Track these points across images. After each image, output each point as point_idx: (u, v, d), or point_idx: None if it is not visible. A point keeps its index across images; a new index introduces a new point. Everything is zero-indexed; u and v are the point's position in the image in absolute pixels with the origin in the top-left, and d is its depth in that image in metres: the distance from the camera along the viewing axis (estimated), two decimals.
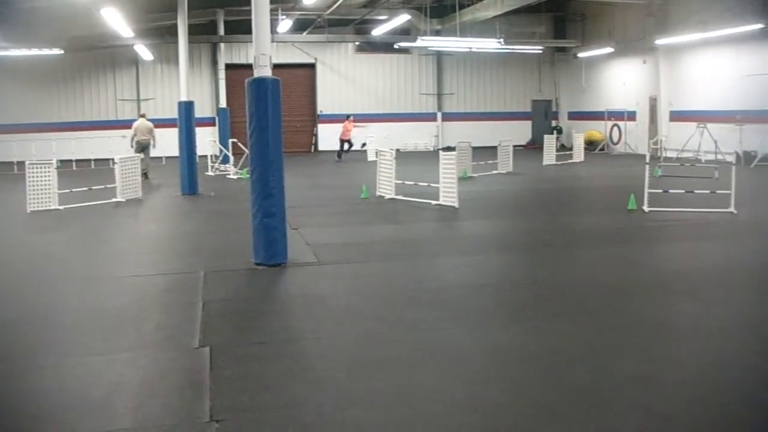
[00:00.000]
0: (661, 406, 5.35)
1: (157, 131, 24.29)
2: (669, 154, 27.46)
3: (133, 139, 23.55)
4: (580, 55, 35.81)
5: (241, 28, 29.89)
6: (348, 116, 32.25)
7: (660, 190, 15.41)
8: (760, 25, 24.38)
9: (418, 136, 37.60)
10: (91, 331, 7.47)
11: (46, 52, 30.10)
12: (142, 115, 24.82)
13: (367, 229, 13.74)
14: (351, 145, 31.22)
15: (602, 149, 34.17)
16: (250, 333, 7.34)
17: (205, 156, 25.85)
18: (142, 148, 23.35)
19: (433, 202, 16.20)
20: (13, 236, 13.84)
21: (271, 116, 10.04)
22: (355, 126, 31.94)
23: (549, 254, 11.44)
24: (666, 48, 30.45)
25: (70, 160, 28.38)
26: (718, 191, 15.08)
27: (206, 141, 27.58)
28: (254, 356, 6.56)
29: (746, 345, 6.78)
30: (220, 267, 10.38)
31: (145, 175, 22.34)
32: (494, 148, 24.97)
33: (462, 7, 29.87)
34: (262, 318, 7.95)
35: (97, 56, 33.30)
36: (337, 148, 31.85)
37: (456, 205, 15.74)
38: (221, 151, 26.87)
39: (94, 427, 5.12)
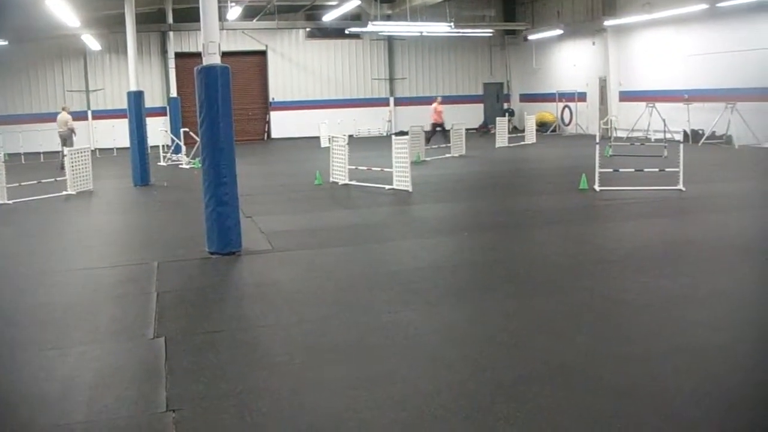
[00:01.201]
0: (616, 381, 5.44)
1: (109, 122, 24.08)
2: (619, 134, 27.81)
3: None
4: (530, 37, 36.01)
5: (190, 16, 29.53)
6: (436, 97, 29.66)
7: (611, 170, 15.60)
8: (703, 6, 24.71)
9: (371, 122, 37.57)
10: (44, 325, 7.38)
11: None
12: (64, 108, 24.81)
13: (321, 215, 13.72)
14: (443, 128, 27.29)
15: (554, 130, 34.45)
16: (206, 322, 7.30)
17: (157, 146, 25.56)
18: (63, 140, 23.70)
19: (387, 187, 16.23)
20: None
21: (222, 104, 9.96)
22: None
23: (503, 235, 11.53)
24: (614, 29, 30.77)
25: (19, 154, 27.89)
26: (667, 169, 15.31)
27: (158, 131, 27.25)
28: (210, 345, 6.53)
29: (695, 318, 6.90)
30: (173, 257, 10.30)
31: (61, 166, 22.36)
32: (447, 131, 25.04)
33: None
34: (217, 307, 7.91)
35: (44, 47, 32.63)
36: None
37: (410, 189, 15.78)
38: (173, 140, 26.59)
39: (48, 422, 5.07)
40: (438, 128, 27.30)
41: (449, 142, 24.51)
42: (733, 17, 24.78)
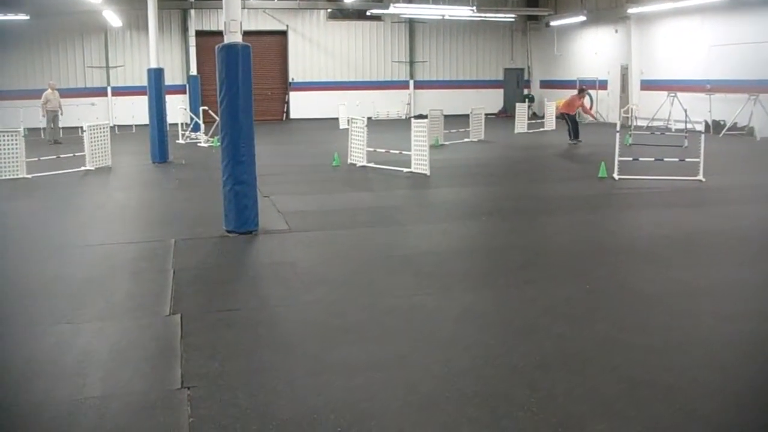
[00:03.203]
0: (632, 370, 5.41)
1: (129, 99, 24.49)
2: (640, 123, 27.59)
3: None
4: (553, 23, 35.76)
5: None
6: (581, 89, 25.52)
7: (630, 158, 15.49)
8: None
9: (390, 104, 37.49)
10: (61, 299, 7.41)
11: (11, 17, 29.62)
12: (51, 85, 26.06)
13: (338, 196, 13.71)
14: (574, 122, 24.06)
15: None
16: (222, 300, 7.32)
17: (176, 124, 25.61)
18: (53, 117, 25.46)
19: (405, 170, 16.19)
20: None
21: (242, 82, 9.95)
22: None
23: (520, 221, 11.49)
24: (637, 17, 30.49)
25: (38, 129, 28.01)
26: (687, 159, 15.20)
27: (177, 109, 27.28)
28: (225, 323, 6.55)
29: (712, 310, 6.86)
30: (190, 235, 10.33)
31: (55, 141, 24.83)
32: (466, 116, 24.95)
33: None
34: (233, 285, 7.93)
35: (65, 22, 32.70)
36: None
37: (427, 172, 15.74)
38: (192, 118, 26.63)
39: (64, 396, 5.10)
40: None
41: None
42: (758, 7, 24.49)
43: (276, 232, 10.44)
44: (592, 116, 28.80)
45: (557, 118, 25.90)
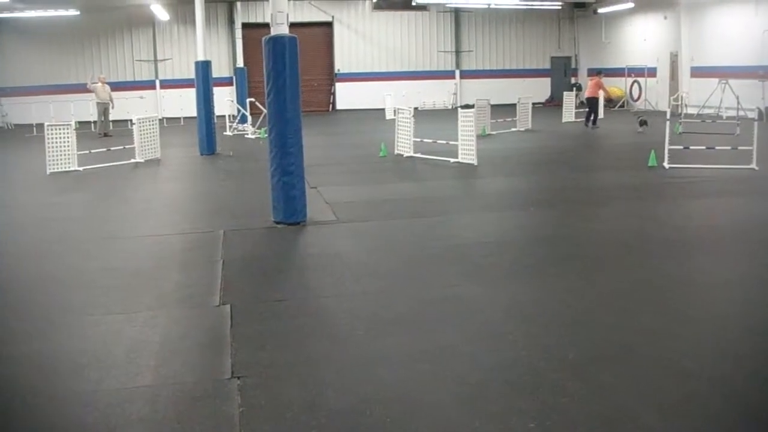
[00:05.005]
0: (681, 361, 5.33)
1: (177, 91, 24.76)
2: (690, 111, 27.15)
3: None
4: (600, 10, 35.32)
5: None
6: (599, 72, 27.27)
7: (681, 147, 15.25)
8: None
9: (437, 94, 37.37)
10: (112, 290, 7.51)
11: (62, 12, 30.10)
12: (101, 79, 26.68)
13: (385, 187, 13.71)
14: (593, 110, 25.13)
15: (622, 106, 33.82)
16: (271, 291, 7.37)
17: (223, 116, 25.81)
18: (104, 110, 26.09)
19: (452, 160, 16.13)
20: (34, 198, 13.91)
21: (289, 74, 9.98)
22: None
23: (569, 211, 11.38)
24: (687, 3, 29.99)
25: (89, 122, 28.41)
26: (739, 147, 14.91)
27: (224, 101, 27.48)
28: (274, 314, 6.59)
29: (762, 300, 6.73)
30: (239, 226, 10.41)
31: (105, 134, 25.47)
32: (513, 105, 24.78)
33: None
34: (281, 276, 7.98)
35: (114, 16, 33.20)
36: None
37: (475, 162, 15.67)
38: (239, 110, 26.81)
39: (116, 385, 5.17)
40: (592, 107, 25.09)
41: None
42: None
43: (324, 223, 10.47)
44: (608, 93, 28.65)
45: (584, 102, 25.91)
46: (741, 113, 21.25)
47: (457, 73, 38.18)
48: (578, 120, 26.79)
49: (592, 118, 24.97)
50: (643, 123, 22.19)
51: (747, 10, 27.21)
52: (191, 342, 6.00)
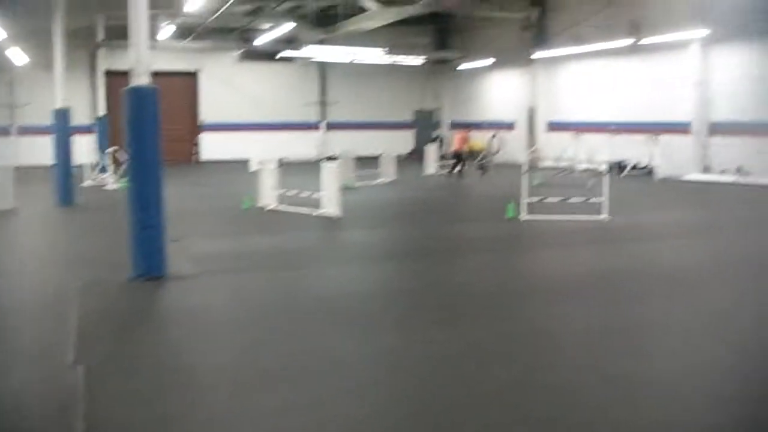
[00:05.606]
0: (540, 410, 5.50)
1: (33, 138, 23.92)
2: (546, 164, 28.26)
3: None
4: (462, 66, 36.47)
5: (122, 33, 28.91)
6: (467, 126, 29.57)
7: (537, 199, 15.84)
8: (629, 41, 25.48)
9: (303, 146, 37.49)
10: None
11: None
12: None
13: (248, 239, 13.63)
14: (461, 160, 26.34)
15: (483, 158, 34.79)
16: (128, 348, 7.16)
17: (84, 165, 25.09)
18: None
19: (316, 212, 16.19)
20: None
21: (149, 126, 9.85)
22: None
23: (431, 262, 11.61)
24: (543, 60, 31.42)
25: None
26: (592, 199, 15.63)
27: (84, 149, 26.73)
28: (133, 371, 6.41)
29: (619, 348, 7.03)
30: (97, 280, 10.09)
31: None
32: (377, 157, 25.16)
33: (346, 17, 29.95)
34: (140, 332, 7.78)
35: None
36: None
37: (339, 214, 15.78)
38: (99, 160, 26.15)
39: None
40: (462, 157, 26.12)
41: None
42: (656, 52, 25.58)
43: (185, 277, 10.28)
44: (472, 147, 29.96)
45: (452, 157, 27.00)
46: (593, 166, 22.29)
47: (323, 124, 38.49)
48: (441, 172, 27.43)
49: (459, 169, 25.76)
50: (481, 167, 23.27)
51: (596, 68, 28.75)
52: (43, 400, 5.77)
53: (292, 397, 5.80)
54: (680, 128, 24.84)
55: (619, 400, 5.73)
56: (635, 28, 25.80)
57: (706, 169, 24.45)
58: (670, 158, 24.74)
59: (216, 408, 5.61)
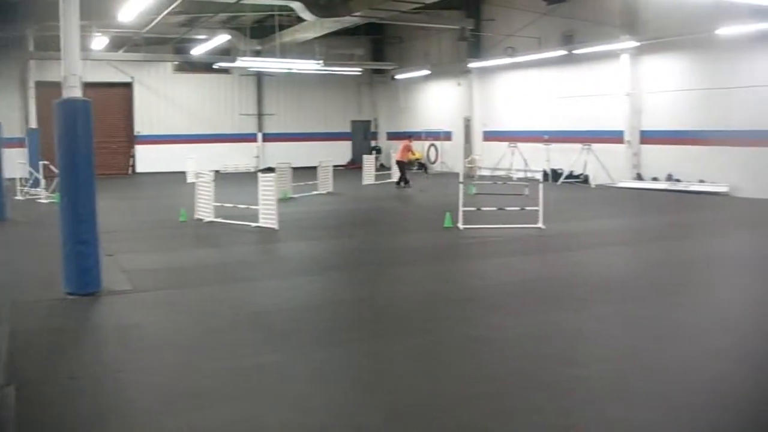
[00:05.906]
0: (478, 421, 5.54)
1: None
2: (483, 173, 28.54)
3: None
4: (398, 76, 36.64)
5: (53, 44, 28.54)
6: (409, 136, 29.86)
7: (474, 208, 15.97)
8: (562, 52, 25.92)
9: (240, 157, 37.30)
10: None
11: None
12: None
13: (185, 253, 13.48)
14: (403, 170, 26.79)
15: (420, 168, 35.02)
16: (61, 367, 7.00)
17: (14, 179, 24.56)
18: None
19: (253, 224, 16.07)
20: None
21: (81, 139, 9.66)
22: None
23: (368, 274, 11.62)
24: (478, 71, 31.76)
25: None
26: (527, 208, 15.82)
27: (15, 163, 26.17)
28: (65, 392, 6.27)
29: (552, 354, 7.11)
30: (28, 298, 9.88)
31: None
32: (315, 168, 25.13)
33: (282, 28, 29.88)
34: (73, 351, 7.62)
35: None
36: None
37: (276, 226, 15.69)
38: (31, 173, 25.64)
39: None
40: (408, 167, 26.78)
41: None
42: (588, 62, 26.07)
43: (120, 293, 10.11)
44: (415, 156, 30.43)
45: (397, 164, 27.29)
46: (529, 175, 22.58)
47: (260, 135, 38.33)
48: (378, 182, 27.51)
49: (405, 179, 26.02)
50: (424, 169, 23.69)
51: (531, 78, 29.17)
52: None
53: (227, 416, 5.71)
54: (613, 137, 25.36)
55: (548, 407, 5.79)
56: (568, 39, 26.30)
57: (639, 177, 24.97)
58: (604, 166, 25.23)
59: (148, 429, 5.53)
